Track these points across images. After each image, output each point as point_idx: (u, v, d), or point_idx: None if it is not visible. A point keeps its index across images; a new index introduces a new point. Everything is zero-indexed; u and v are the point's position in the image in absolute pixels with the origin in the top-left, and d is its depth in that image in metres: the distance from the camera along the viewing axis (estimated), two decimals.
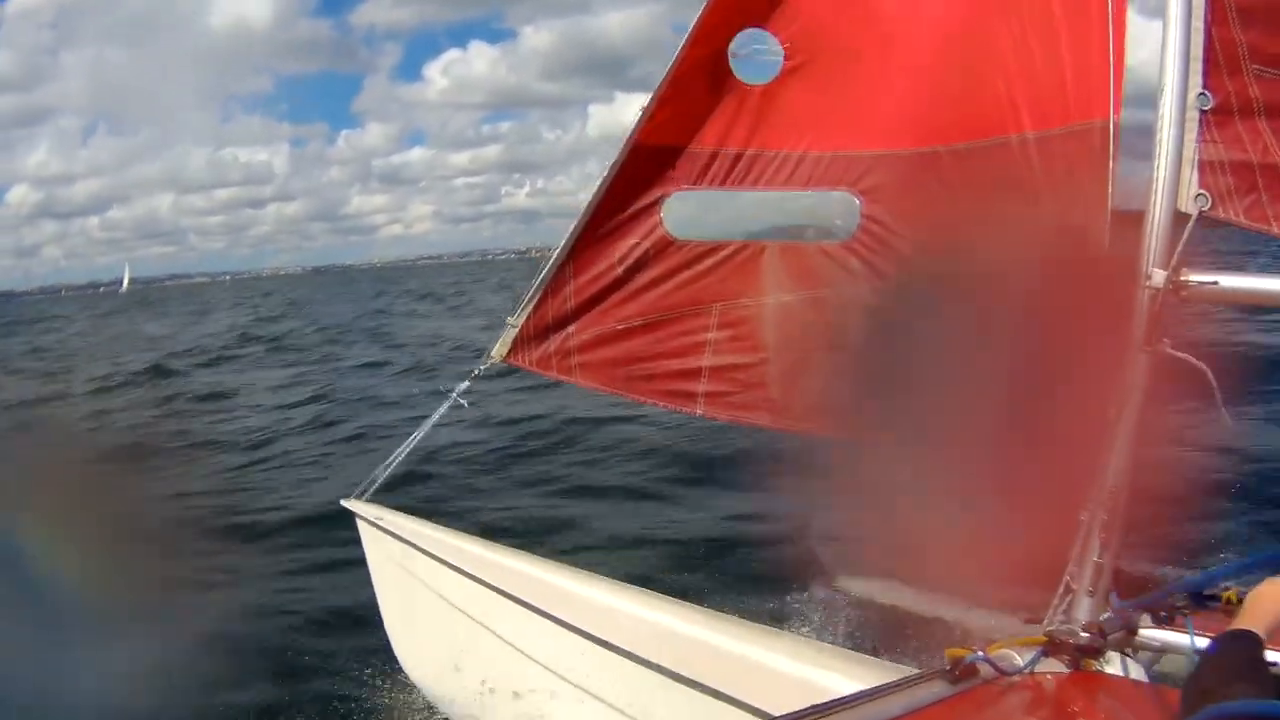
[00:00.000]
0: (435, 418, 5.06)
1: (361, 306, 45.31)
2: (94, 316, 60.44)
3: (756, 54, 4.36)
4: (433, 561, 4.52)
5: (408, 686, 5.11)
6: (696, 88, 4.37)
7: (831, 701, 2.31)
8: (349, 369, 20.61)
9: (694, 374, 4.53)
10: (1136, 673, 2.76)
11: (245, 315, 46.35)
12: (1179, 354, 2.66)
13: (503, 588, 4.06)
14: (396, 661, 5.17)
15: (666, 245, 4.51)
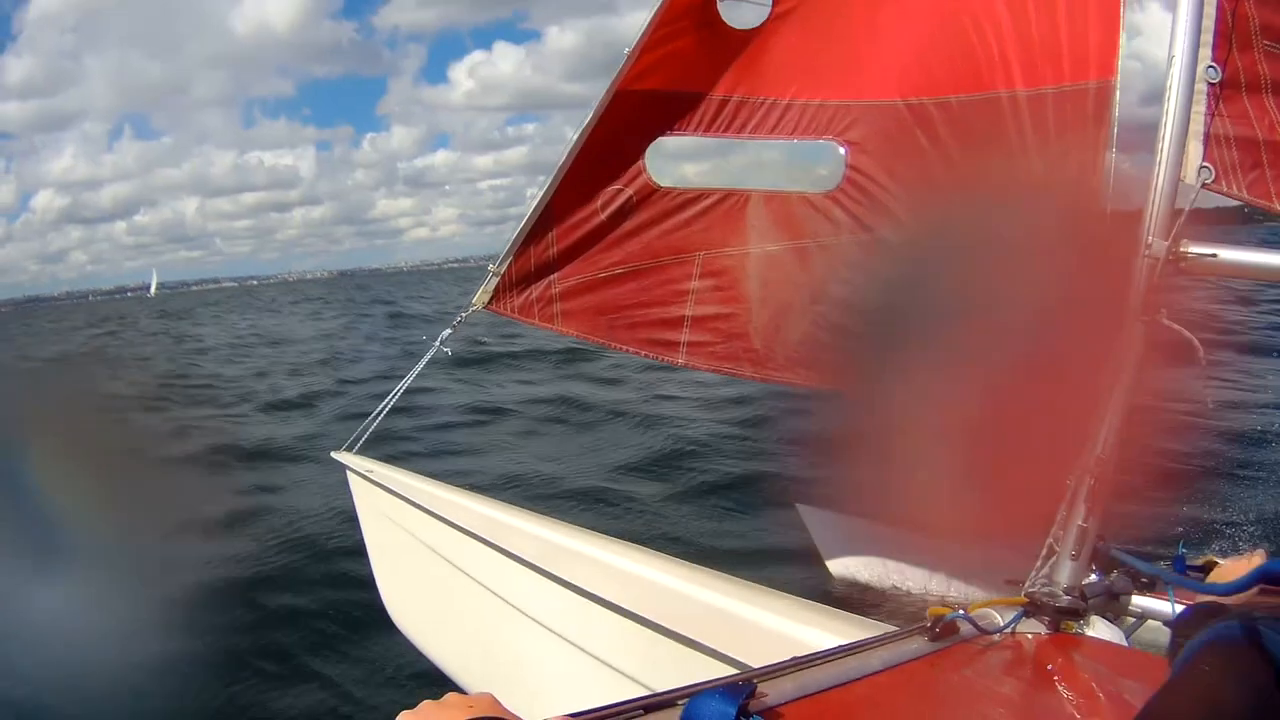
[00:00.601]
0: (419, 366, 5.01)
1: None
2: (163, 318, 58.07)
3: None
4: (421, 514, 4.49)
5: (396, 635, 5.12)
6: (683, 32, 4.29)
7: (812, 654, 2.32)
8: None
9: (676, 323, 4.51)
10: (1116, 637, 2.80)
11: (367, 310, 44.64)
12: (1174, 325, 2.66)
13: (491, 540, 4.05)
14: (385, 611, 5.18)
15: (650, 192, 4.46)
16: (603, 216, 4.51)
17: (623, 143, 4.44)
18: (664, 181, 4.47)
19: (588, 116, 4.41)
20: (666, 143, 4.47)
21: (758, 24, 4.28)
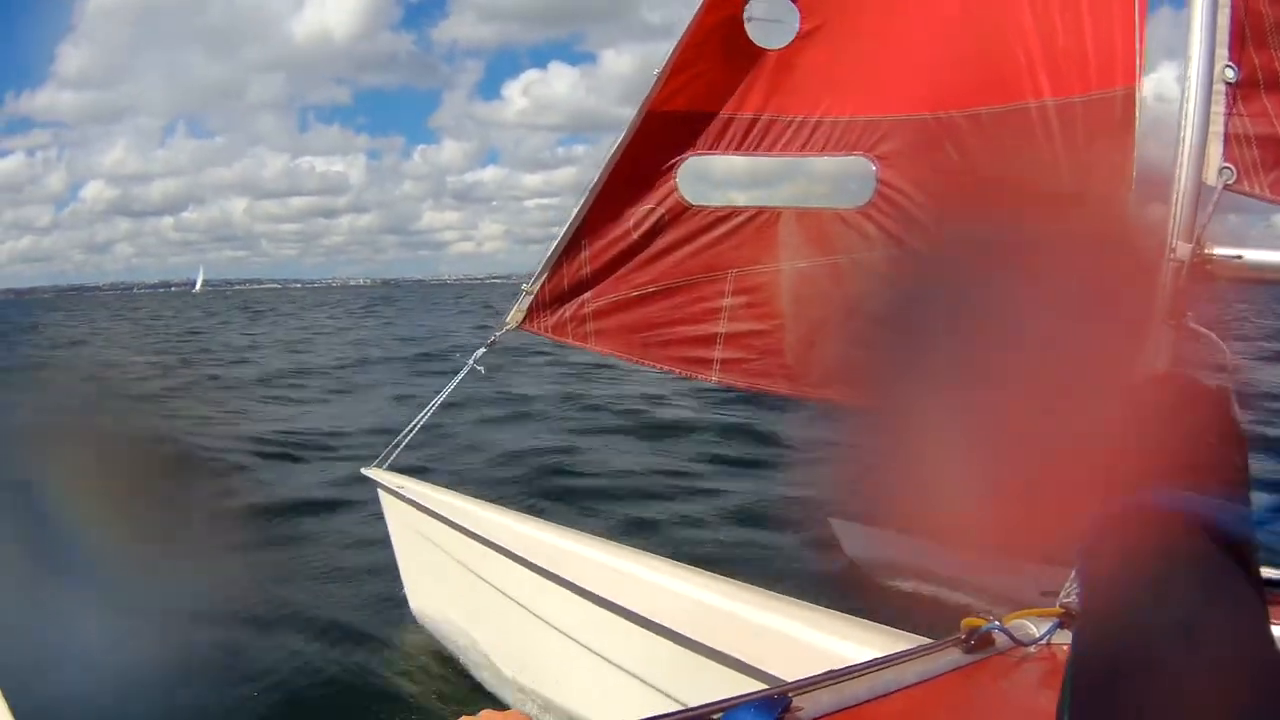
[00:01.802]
0: (451, 386, 5.07)
1: None
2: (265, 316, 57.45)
3: (772, 18, 4.31)
4: (452, 529, 4.53)
5: (427, 648, 5.16)
6: (711, 53, 4.33)
7: (847, 668, 2.30)
8: None
9: (709, 340, 4.52)
10: None
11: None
12: (1202, 329, 2.64)
13: (521, 554, 4.07)
14: (416, 623, 5.23)
15: (682, 211, 4.49)
16: (635, 236, 4.54)
17: (654, 163, 4.47)
18: (696, 200, 4.49)
19: (620, 137, 4.46)
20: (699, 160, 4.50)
21: (785, 43, 4.30)
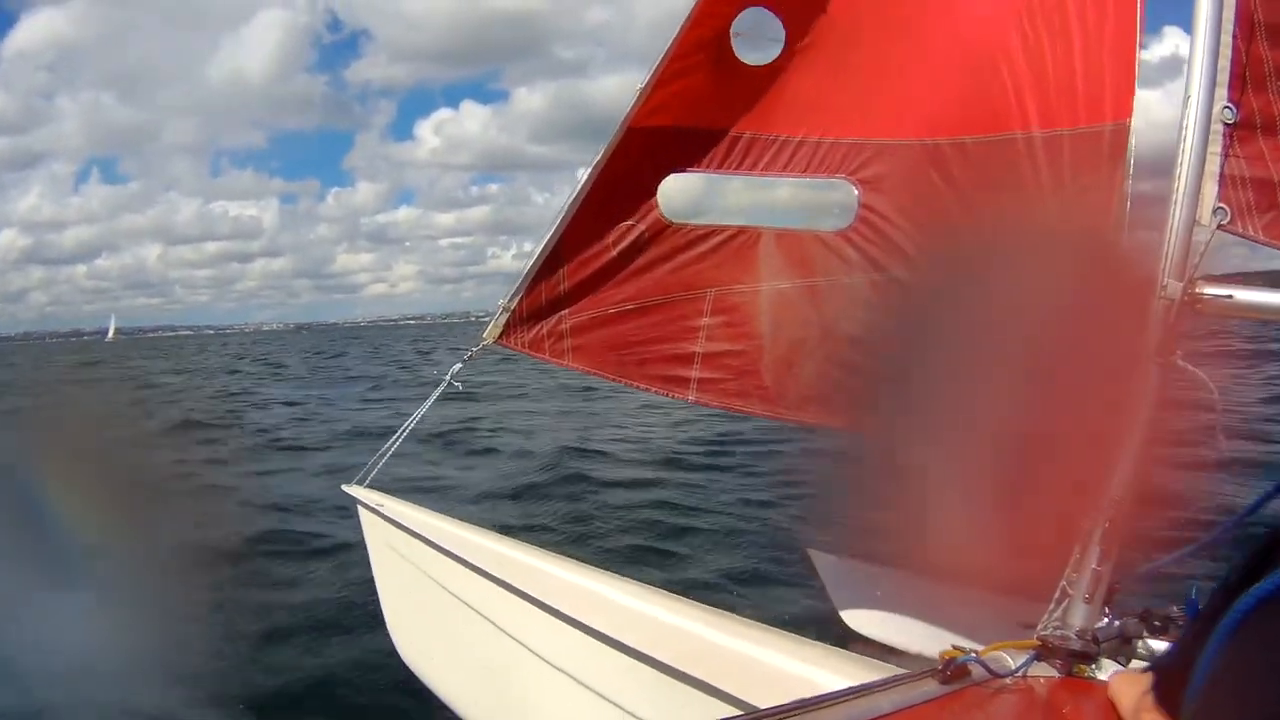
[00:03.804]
0: (430, 402, 5.01)
1: None
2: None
3: (758, 34, 4.30)
4: (430, 549, 4.47)
5: (403, 670, 5.10)
6: (695, 68, 4.30)
7: (820, 696, 2.29)
8: None
9: (687, 359, 4.49)
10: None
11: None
12: (1191, 367, 2.65)
13: (500, 576, 4.03)
14: (393, 645, 5.16)
15: (662, 228, 4.46)
16: (614, 252, 4.51)
17: (634, 179, 4.44)
18: (675, 217, 4.46)
19: (599, 153, 4.42)
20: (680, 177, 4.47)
21: (771, 60, 4.28)
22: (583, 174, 4.52)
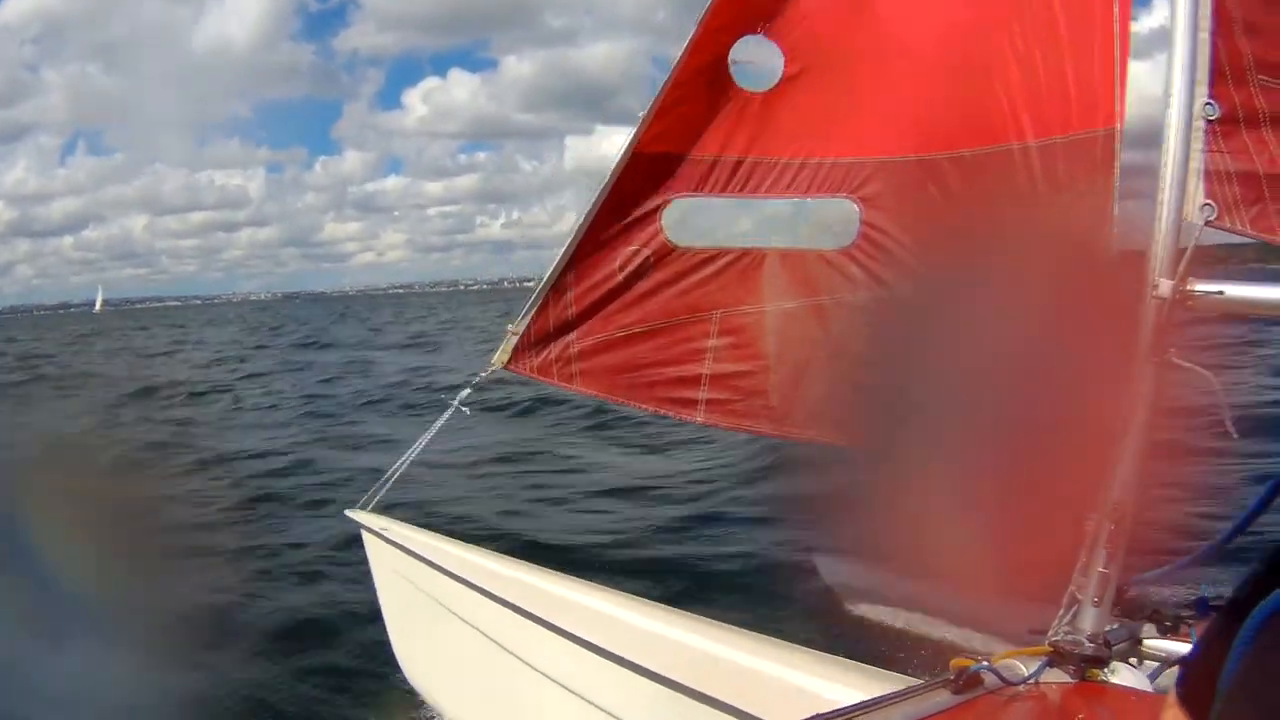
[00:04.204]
0: (437, 426, 5.05)
1: None
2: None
3: (757, 61, 4.35)
4: (435, 571, 4.51)
5: (409, 692, 5.11)
6: (696, 95, 4.35)
7: (834, 711, 2.30)
8: None
9: (694, 381, 4.52)
10: (1141, 683, 2.75)
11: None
12: (1186, 364, 2.65)
13: (504, 597, 4.05)
14: (399, 667, 5.18)
15: (667, 252, 4.50)
16: (620, 277, 4.55)
17: (639, 204, 4.49)
18: (680, 241, 4.50)
19: (605, 178, 4.48)
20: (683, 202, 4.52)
21: (770, 85, 4.33)
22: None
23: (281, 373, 25.87)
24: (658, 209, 4.50)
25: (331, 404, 18.32)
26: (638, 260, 4.53)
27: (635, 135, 4.40)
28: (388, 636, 5.24)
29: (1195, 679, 1.29)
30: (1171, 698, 1.40)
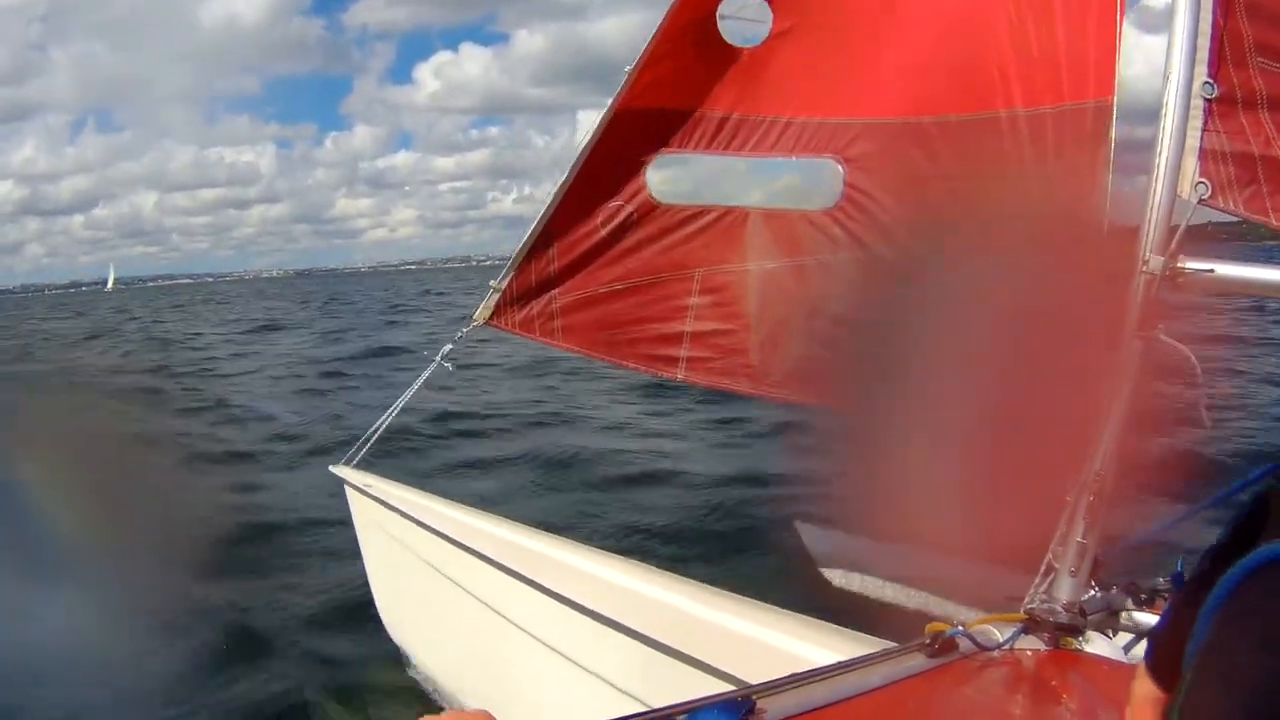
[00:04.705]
0: (419, 382, 5.05)
1: None
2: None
3: (745, 16, 4.31)
4: (418, 528, 4.52)
5: (391, 649, 5.14)
6: (683, 50, 4.30)
7: (811, 671, 2.32)
8: None
9: (675, 339, 4.52)
10: (1115, 653, 2.80)
11: None
12: (1172, 341, 2.67)
13: (488, 554, 4.07)
14: (381, 624, 5.21)
15: (651, 209, 4.47)
16: (603, 233, 4.53)
17: (623, 160, 4.45)
18: (664, 198, 4.48)
19: (589, 134, 4.44)
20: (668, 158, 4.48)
21: (758, 42, 4.29)
22: (573, 155, 4.53)
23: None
24: (641, 165, 4.47)
25: None
26: (621, 216, 4.50)
27: (620, 90, 4.34)
28: (371, 594, 5.27)
29: (1163, 649, 1.32)
30: (1142, 668, 1.43)
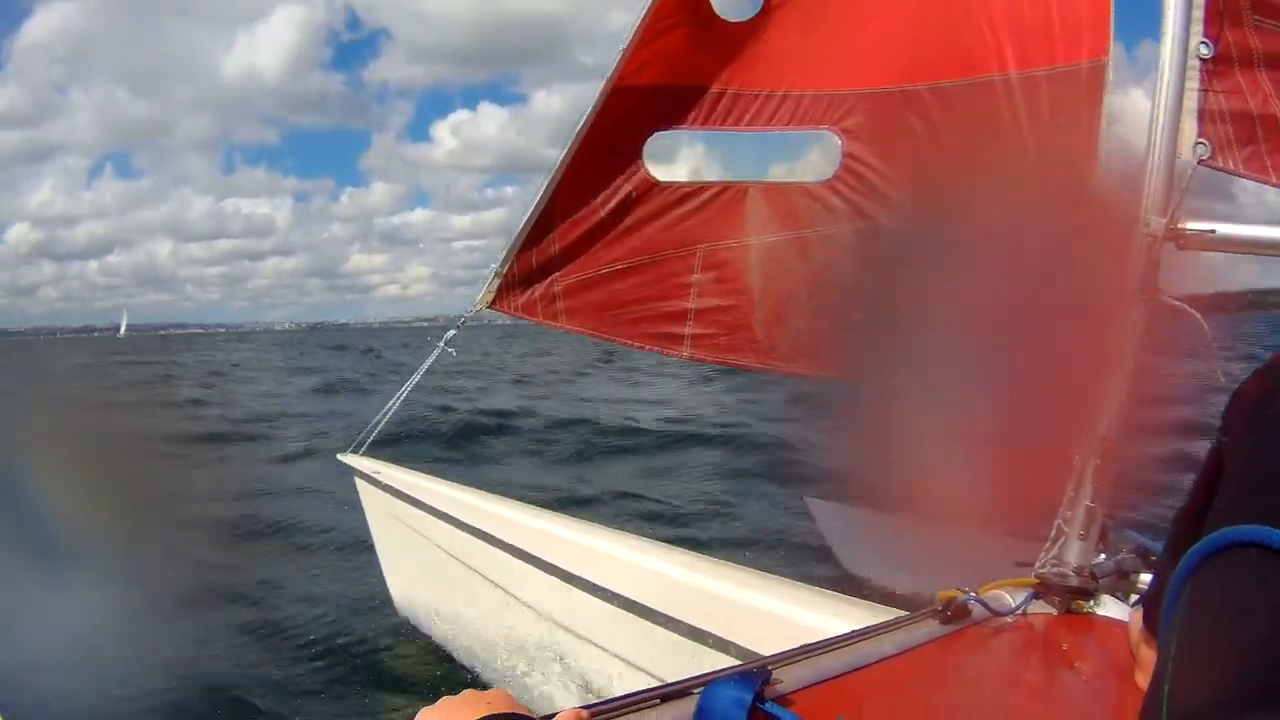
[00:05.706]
0: (424, 368, 5.07)
1: None
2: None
3: None
4: (428, 514, 4.55)
5: (407, 631, 5.18)
6: (676, 26, 4.29)
7: (825, 641, 2.32)
8: None
9: (680, 316, 4.52)
10: (1126, 616, 2.80)
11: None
12: (1175, 302, 2.67)
13: (498, 537, 4.09)
14: (395, 607, 5.25)
15: (649, 187, 4.47)
16: (603, 213, 4.52)
17: (620, 139, 4.44)
18: (662, 176, 4.47)
19: (585, 114, 4.42)
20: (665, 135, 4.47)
21: (751, 16, 4.28)
22: (569, 136, 4.51)
23: None
24: (639, 144, 4.46)
25: None
26: (620, 196, 4.49)
27: (615, 68, 4.33)
28: (383, 576, 5.31)
29: (1154, 613, 1.33)
30: (1145, 633, 1.45)
